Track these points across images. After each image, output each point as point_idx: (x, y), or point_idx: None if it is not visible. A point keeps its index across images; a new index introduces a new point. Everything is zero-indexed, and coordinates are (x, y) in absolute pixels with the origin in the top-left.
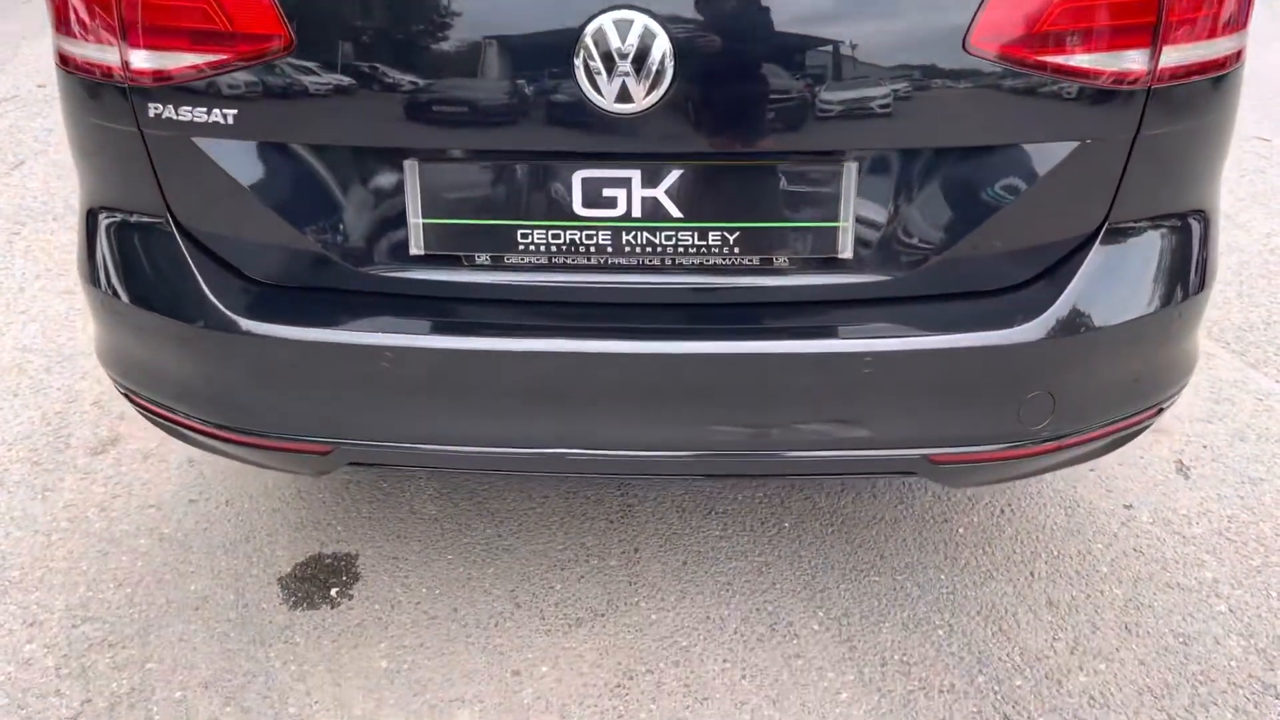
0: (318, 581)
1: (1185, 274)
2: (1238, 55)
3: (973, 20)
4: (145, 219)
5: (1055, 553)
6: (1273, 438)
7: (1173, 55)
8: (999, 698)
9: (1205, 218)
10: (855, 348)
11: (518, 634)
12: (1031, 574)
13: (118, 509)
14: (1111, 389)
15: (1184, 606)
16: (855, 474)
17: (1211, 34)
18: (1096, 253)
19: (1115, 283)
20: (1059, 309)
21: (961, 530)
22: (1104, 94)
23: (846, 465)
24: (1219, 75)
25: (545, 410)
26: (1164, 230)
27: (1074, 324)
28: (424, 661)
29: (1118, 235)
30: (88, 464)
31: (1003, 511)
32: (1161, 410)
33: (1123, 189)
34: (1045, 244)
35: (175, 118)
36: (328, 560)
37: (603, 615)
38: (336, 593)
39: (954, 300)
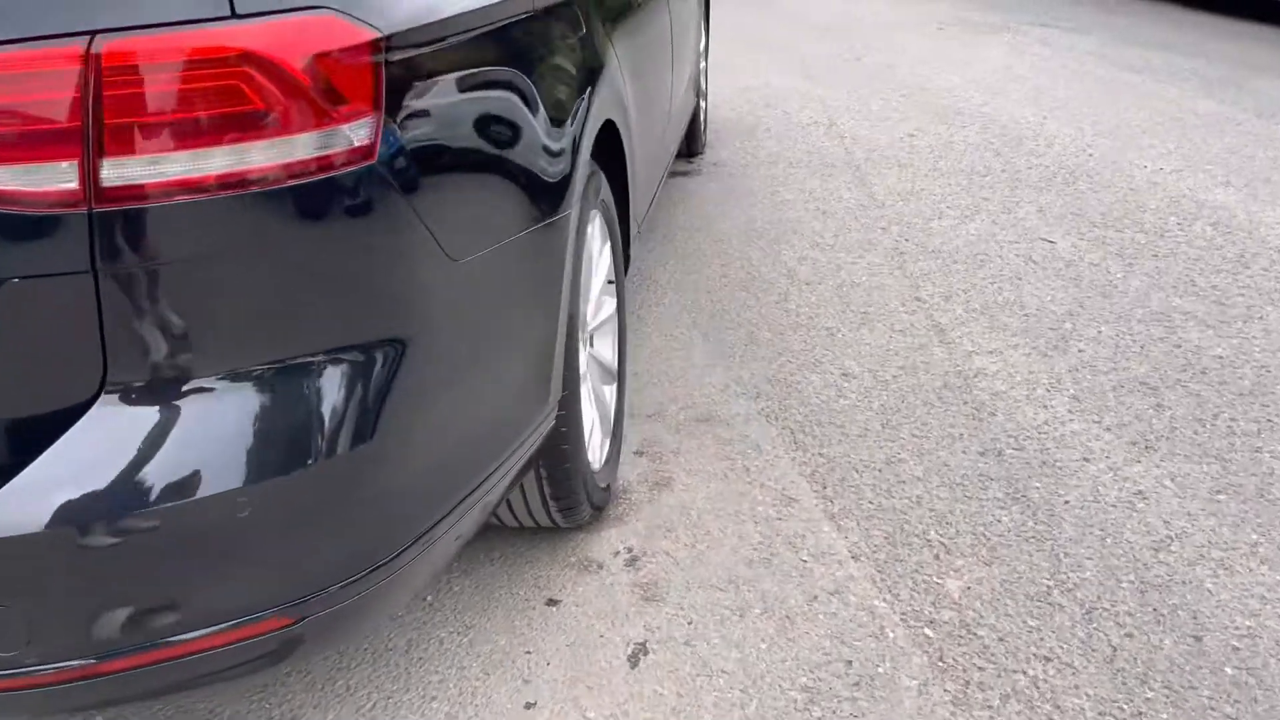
0: None
1: (251, 457)
2: (249, 174)
3: None
4: None
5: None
6: (781, 606)
7: (126, 170)
8: None
9: (300, 378)
10: None
11: None
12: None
13: None
14: (128, 604)
15: None
16: None
17: (185, 144)
18: (88, 424)
19: (112, 466)
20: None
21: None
22: (15, 217)
23: None
24: (240, 193)
25: None
26: (197, 397)
27: (41, 521)
28: None
29: (127, 399)
30: None
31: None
32: (286, 627)
33: (110, 340)
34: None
35: None
36: None
37: None
38: None
39: None
